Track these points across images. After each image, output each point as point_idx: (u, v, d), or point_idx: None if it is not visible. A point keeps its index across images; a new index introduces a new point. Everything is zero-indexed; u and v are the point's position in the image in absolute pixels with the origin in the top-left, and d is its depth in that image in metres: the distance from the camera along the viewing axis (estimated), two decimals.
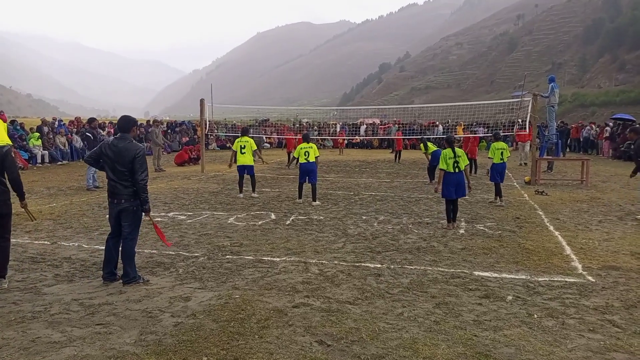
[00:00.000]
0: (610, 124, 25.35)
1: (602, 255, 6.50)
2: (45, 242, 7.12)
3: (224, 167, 19.09)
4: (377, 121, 37.62)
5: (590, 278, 5.55)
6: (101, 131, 19.46)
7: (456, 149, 8.36)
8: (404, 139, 24.94)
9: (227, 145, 29.93)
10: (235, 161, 11.61)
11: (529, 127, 15.71)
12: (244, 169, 11.52)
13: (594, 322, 4.29)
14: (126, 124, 5.42)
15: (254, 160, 11.75)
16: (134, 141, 5.33)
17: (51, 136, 20.60)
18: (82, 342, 3.84)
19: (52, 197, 11.39)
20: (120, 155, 5.19)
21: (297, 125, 33.51)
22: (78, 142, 20.76)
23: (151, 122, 26.62)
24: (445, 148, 8.48)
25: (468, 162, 8.57)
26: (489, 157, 10.72)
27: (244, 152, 11.43)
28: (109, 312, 4.49)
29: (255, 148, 11.59)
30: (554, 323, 4.27)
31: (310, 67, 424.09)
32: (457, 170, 8.22)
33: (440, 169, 8.41)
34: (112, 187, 5.27)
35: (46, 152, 19.70)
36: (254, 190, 11.58)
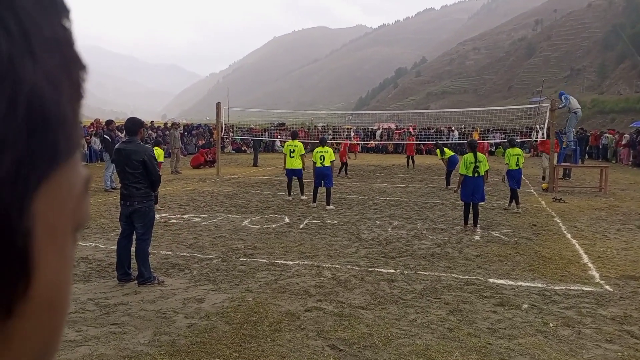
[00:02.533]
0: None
1: (620, 265, 6.38)
2: None
3: (239, 169, 19.25)
4: (393, 126, 37.53)
5: (607, 287, 5.45)
6: (119, 133, 19.68)
7: (478, 154, 8.39)
8: (418, 144, 24.65)
9: (243, 148, 30.10)
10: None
11: (546, 135, 15.45)
12: (292, 173, 11.65)
13: (612, 333, 4.21)
14: (133, 126, 5.48)
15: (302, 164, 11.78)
16: (141, 143, 5.44)
17: None
18: (97, 341, 3.89)
19: None
20: (128, 158, 5.26)
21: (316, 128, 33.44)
22: (96, 143, 21.04)
23: (169, 125, 26.92)
24: (466, 153, 8.58)
25: (489, 168, 8.61)
26: (505, 163, 10.73)
27: (293, 156, 11.55)
28: (123, 312, 4.54)
29: (304, 152, 11.71)
30: (570, 332, 4.20)
31: (326, 71, 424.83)
32: (476, 174, 8.27)
33: (460, 173, 8.51)
34: (125, 189, 5.36)
35: None
36: (302, 193, 11.68)
